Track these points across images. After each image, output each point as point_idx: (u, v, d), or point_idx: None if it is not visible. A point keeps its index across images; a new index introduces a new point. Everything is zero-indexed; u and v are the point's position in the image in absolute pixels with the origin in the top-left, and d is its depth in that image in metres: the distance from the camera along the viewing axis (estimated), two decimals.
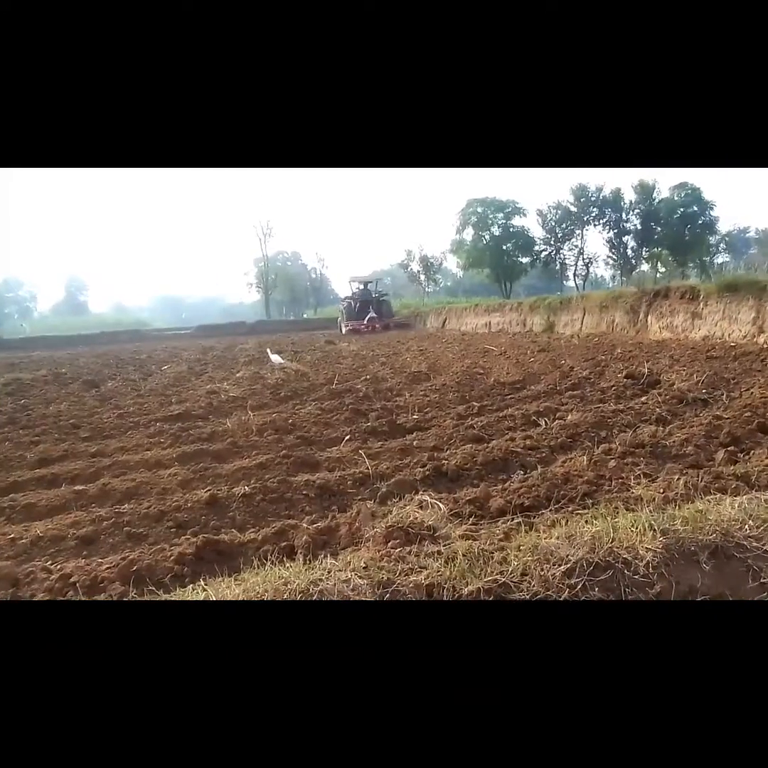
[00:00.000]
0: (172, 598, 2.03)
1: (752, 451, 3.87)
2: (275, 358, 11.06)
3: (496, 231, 41.31)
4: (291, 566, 2.08)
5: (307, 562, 2.11)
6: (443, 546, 2.12)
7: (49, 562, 2.77)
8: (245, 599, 1.83)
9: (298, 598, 1.80)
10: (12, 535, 3.13)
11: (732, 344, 9.61)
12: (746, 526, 2.06)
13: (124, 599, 2.31)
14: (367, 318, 24.62)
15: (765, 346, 9.04)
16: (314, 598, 1.80)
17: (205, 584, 2.06)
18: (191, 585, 2.19)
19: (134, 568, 2.59)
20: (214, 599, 1.86)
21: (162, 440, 5.40)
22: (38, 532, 3.15)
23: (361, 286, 28.38)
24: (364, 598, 1.80)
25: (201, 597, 1.90)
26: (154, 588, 2.36)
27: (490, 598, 1.79)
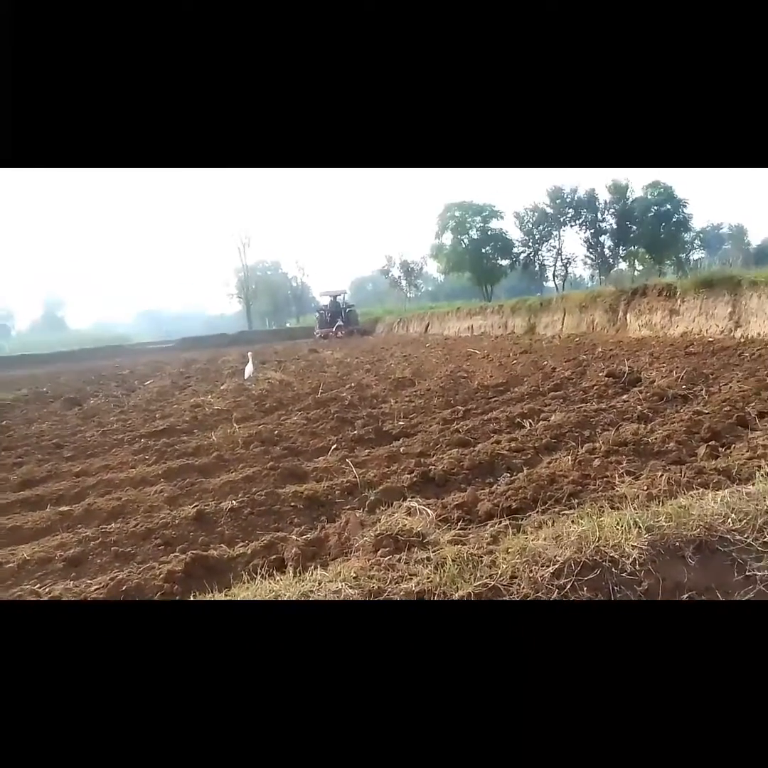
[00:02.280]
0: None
1: (733, 445, 3.94)
2: (248, 369, 10.97)
3: (474, 234, 41.56)
4: (281, 579, 2.08)
5: (298, 574, 2.11)
6: (432, 552, 2.13)
7: (37, 586, 2.74)
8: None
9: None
10: None
11: (710, 340, 9.76)
12: (729, 520, 2.09)
13: (116, 600, 2.29)
14: (335, 326, 28.99)
15: (742, 340, 9.20)
16: None
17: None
18: None
19: (123, 588, 2.57)
20: (198, 599, 1.85)
21: (147, 457, 5.35)
22: (25, 555, 3.11)
23: (332, 298, 32.15)
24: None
25: None
26: None
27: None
